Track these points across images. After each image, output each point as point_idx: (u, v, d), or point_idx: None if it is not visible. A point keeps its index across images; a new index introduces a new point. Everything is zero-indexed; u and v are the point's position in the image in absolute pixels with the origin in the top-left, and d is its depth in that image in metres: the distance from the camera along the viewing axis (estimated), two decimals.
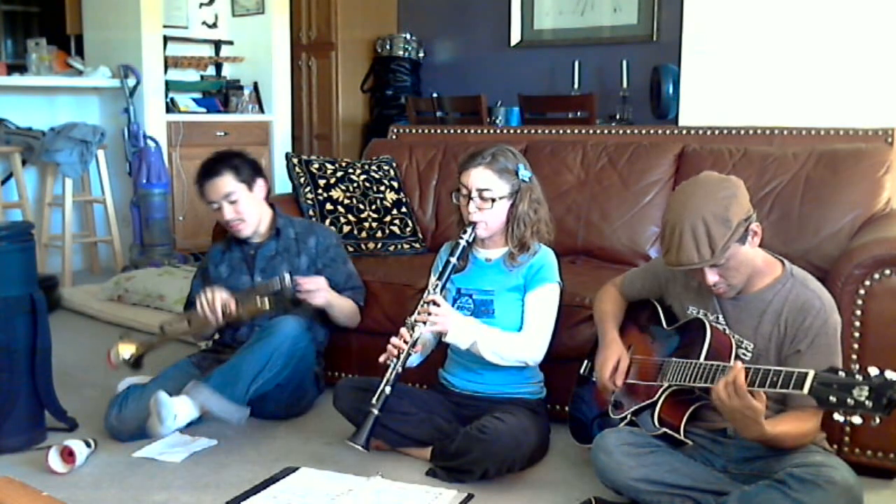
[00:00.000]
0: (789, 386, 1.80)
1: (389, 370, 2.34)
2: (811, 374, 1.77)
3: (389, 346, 2.36)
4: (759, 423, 1.86)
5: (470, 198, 2.44)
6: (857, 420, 1.70)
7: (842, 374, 1.73)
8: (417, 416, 2.46)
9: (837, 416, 1.72)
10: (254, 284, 2.84)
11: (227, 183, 2.78)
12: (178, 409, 2.51)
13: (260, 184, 2.86)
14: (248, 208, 2.82)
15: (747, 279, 2.06)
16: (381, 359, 2.37)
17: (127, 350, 2.76)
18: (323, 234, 2.95)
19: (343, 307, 2.88)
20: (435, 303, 2.37)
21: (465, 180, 2.46)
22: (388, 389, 2.32)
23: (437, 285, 2.42)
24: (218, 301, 2.68)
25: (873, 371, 1.69)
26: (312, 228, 2.97)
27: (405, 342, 2.34)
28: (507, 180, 2.44)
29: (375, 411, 2.31)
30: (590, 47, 5.76)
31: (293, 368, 2.62)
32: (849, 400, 1.69)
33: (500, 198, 2.44)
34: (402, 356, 2.34)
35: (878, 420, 1.68)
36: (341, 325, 2.92)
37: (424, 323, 2.36)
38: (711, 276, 2.02)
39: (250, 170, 2.84)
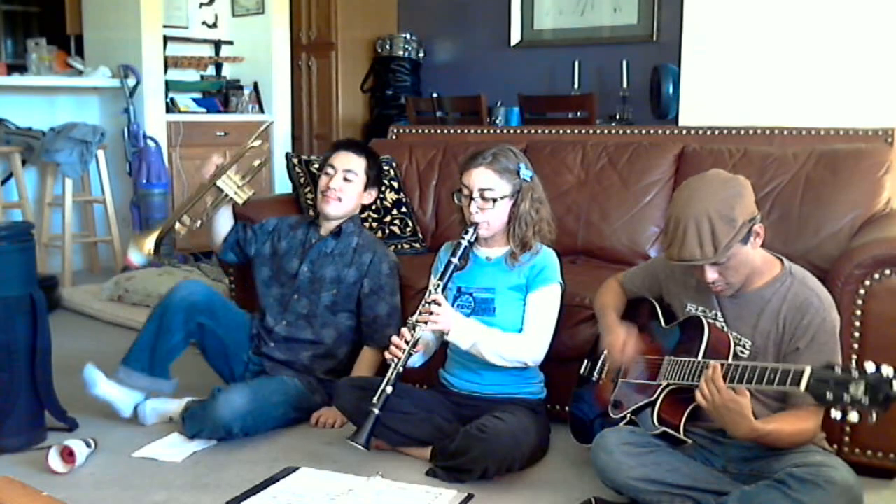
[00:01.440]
0: (786, 383, 1.80)
1: (390, 370, 2.34)
2: (808, 370, 1.77)
3: (391, 346, 2.37)
4: (746, 418, 1.87)
5: (471, 198, 2.44)
6: (853, 417, 1.70)
7: (838, 370, 1.73)
8: (417, 416, 2.46)
9: (835, 413, 1.72)
10: (298, 273, 2.85)
11: (358, 163, 2.86)
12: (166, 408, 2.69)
13: (372, 192, 2.93)
14: (351, 195, 2.86)
15: (746, 278, 2.06)
16: (387, 356, 2.38)
17: (138, 256, 2.82)
18: (380, 256, 2.85)
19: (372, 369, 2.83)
20: (437, 303, 2.37)
21: (466, 180, 2.46)
22: (389, 389, 2.32)
23: (438, 285, 2.42)
24: (212, 162, 2.84)
25: (870, 367, 1.69)
26: (375, 247, 2.88)
27: (406, 342, 2.35)
28: (508, 180, 2.44)
29: (376, 411, 2.31)
30: (590, 47, 5.76)
31: (254, 431, 2.62)
32: (845, 396, 1.69)
33: (502, 197, 2.44)
34: (403, 356, 2.34)
35: (874, 416, 1.68)
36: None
37: (426, 323, 2.36)
38: (711, 274, 2.02)
39: (377, 175, 2.94)
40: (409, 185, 3.63)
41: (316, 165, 3.47)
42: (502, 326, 2.46)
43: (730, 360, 2.01)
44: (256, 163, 2.97)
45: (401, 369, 2.35)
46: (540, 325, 2.45)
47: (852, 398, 1.68)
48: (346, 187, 2.84)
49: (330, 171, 2.86)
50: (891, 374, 1.67)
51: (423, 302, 2.40)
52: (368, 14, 6.42)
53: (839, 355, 2.02)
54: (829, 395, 1.72)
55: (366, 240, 2.90)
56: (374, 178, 2.92)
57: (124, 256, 2.81)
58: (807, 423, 1.94)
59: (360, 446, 2.29)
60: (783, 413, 1.97)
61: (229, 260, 3.06)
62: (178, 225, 2.87)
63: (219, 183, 2.82)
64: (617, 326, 2.31)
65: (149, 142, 5.17)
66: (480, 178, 2.44)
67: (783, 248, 2.53)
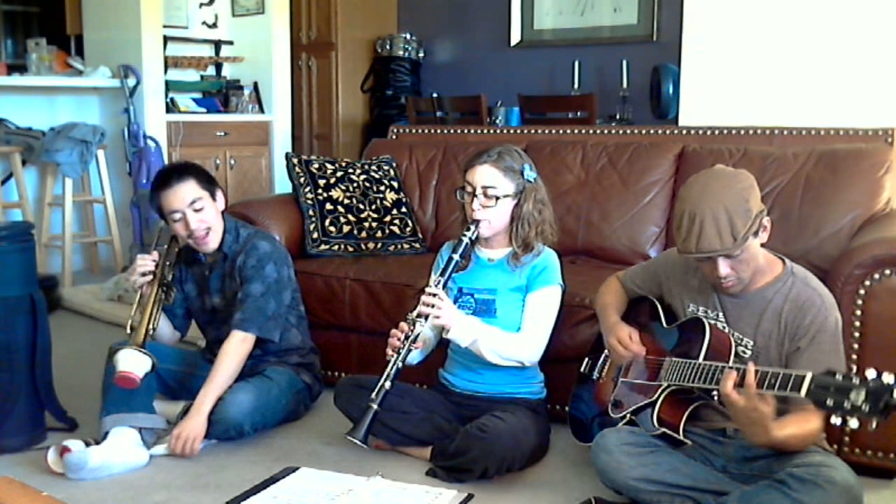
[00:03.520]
0: (787, 388, 1.80)
1: (389, 365, 2.34)
2: (808, 376, 1.77)
3: (390, 341, 2.36)
4: (765, 427, 1.86)
5: (474, 195, 2.44)
6: (853, 424, 1.69)
7: (839, 377, 1.72)
8: (418, 416, 2.46)
9: (835, 420, 1.72)
10: (215, 306, 2.78)
11: (192, 189, 2.61)
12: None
13: (220, 195, 2.73)
14: (212, 217, 2.67)
15: (753, 273, 2.06)
16: (387, 352, 2.38)
17: (141, 365, 2.44)
18: (248, 254, 2.70)
19: (230, 372, 2.60)
20: (437, 297, 2.37)
21: (470, 177, 2.46)
22: (387, 385, 2.33)
23: (439, 281, 2.42)
24: (144, 268, 2.62)
25: (870, 374, 1.68)
26: (246, 246, 2.71)
27: (405, 337, 2.34)
28: (511, 179, 2.44)
29: (375, 406, 2.31)
30: (590, 47, 5.76)
31: (263, 426, 2.62)
32: (846, 403, 1.68)
33: (505, 196, 2.44)
34: (402, 352, 2.34)
35: (874, 424, 1.67)
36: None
37: (426, 318, 2.35)
38: (724, 269, 2.01)
39: (210, 179, 2.71)
40: (409, 185, 3.63)
41: (316, 165, 3.47)
42: (503, 327, 2.46)
43: (731, 362, 2.01)
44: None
45: (400, 365, 2.34)
46: (538, 325, 2.45)
47: (853, 405, 1.67)
48: (204, 216, 2.63)
49: (176, 215, 2.61)
50: (891, 382, 1.65)
51: (422, 297, 2.40)
52: (368, 14, 6.43)
53: (841, 355, 2.01)
54: (830, 402, 1.71)
55: (241, 243, 2.74)
56: (212, 183, 2.69)
57: (119, 376, 2.42)
58: (814, 425, 1.93)
59: (358, 441, 2.30)
60: (792, 416, 1.95)
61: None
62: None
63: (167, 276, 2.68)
64: (618, 324, 2.31)
65: (149, 142, 5.16)
66: (484, 175, 2.44)
67: (783, 248, 2.53)
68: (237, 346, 2.63)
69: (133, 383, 2.42)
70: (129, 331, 2.58)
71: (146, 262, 2.64)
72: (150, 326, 2.58)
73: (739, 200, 1.96)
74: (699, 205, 1.97)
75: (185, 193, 2.61)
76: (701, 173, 2.09)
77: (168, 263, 2.71)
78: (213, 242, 2.70)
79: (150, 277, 2.64)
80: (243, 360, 2.64)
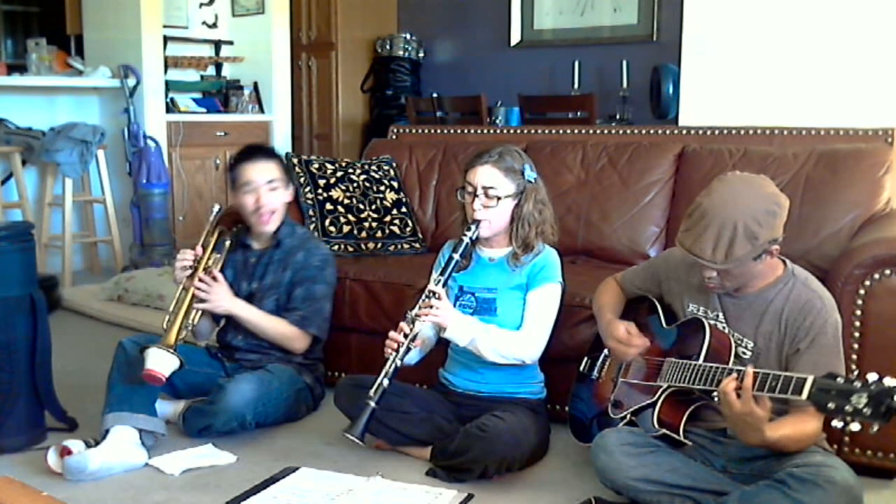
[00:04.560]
0: (788, 391, 1.80)
1: (388, 363, 2.33)
2: (810, 379, 1.77)
3: (388, 340, 2.36)
4: (760, 431, 1.86)
5: (475, 195, 2.45)
6: (855, 427, 1.69)
7: (840, 380, 1.72)
8: (418, 416, 2.46)
9: (836, 423, 1.72)
10: (252, 291, 2.82)
11: (273, 170, 2.79)
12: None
13: (292, 189, 2.88)
14: (281, 203, 2.81)
15: (741, 284, 2.06)
16: (385, 350, 2.37)
17: (170, 364, 2.46)
18: (310, 252, 2.84)
19: (268, 327, 2.75)
20: (436, 297, 2.37)
21: (470, 178, 2.46)
22: (385, 382, 2.32)
23: (438, 280, 2.42)
24: (182, 261, 2.67)
25: (872, 377, 1.68)
26: (306, 244, 2.87)
27: (405, 336, 2.34)
28: (512, 179, 2.44)
29: (372, 404, 2.30)
30: (590, 47, 5.76)
31: (265, 418, 2.64)
32: (847, 407, 1.68)
33: (505, 196, 2.44)
34: (401, 350, 2.34)
35: (876, 428, 1.67)
36: (272, 342, 2.79)
37: (425, 317, 2.35)
38: (708, 272, 2.02)
39: (290, 172, 2.88)
40: (409, 185, 3.63)
41: (316, 165, 3.47)
42: (504, 326, 2.46)
43: (731, 363, 2.01)
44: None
45: (398, 363, 2.34)
46: (538, 323, 2.45)
47: (854, 409, 1.67)
48: (275, 197, 2.78)
49: (249, 187, 2.76)
50: (893, 386, 1.65)
51: (422, 296, 2.40)
52: (368, 14, 6.43)
53: (841, 357, 2.01)
54: (832, 405, 1.71)
55: (298, 238, 2.87)
56: (289, 174, 2.89)
57: (146, 373, 2.44)
58: (811, 426, 1.94)
59: (355, 439, 2.29)
60: (788, 418, 1.95)
61: None
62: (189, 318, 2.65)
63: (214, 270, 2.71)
64: (614, 322, 2.31)
65: (149, 142, 5.17)
66: (485, 175, 2.44)
67: (783, 248, 2.52)
68: (297, 334, 2.77)
69: (159, 382, 2.47)
70: (164, 326, 2.60)
71: (186, 257, 2.69)
72: (188, 322, 2.62)
73: (753, 224, 1.93)
74: (715, 210, 1.96)
75: (265, 170, 2.77)
76: (740, 177, 2.07)
77: (218, 255, 2.76)
78: (273, 225, 2.81)
79: (189, 271, 2.67)
80: (287, 342, 2.78)
